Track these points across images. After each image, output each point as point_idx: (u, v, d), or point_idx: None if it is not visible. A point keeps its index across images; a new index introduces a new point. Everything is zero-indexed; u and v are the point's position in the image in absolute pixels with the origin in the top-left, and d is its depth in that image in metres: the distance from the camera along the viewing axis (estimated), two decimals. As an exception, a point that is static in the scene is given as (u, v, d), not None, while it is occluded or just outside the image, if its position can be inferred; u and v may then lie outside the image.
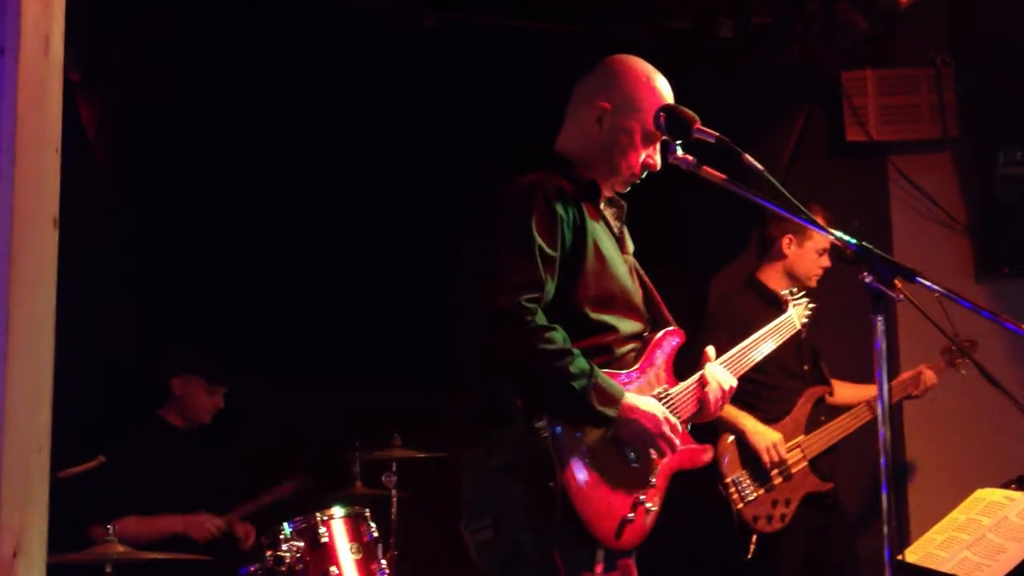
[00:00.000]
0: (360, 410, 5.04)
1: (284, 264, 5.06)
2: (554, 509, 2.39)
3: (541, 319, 2.46)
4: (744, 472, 4.20)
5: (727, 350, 4.14)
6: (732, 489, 4.18)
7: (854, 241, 2.36)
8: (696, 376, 2.80)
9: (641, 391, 2.64)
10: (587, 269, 2.59)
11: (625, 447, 2.57)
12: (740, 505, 4.17)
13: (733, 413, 4.24)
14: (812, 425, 4.28)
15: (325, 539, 3.87)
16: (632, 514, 2.53)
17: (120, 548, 3.67)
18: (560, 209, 2.56)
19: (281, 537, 3.84)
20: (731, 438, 4.23)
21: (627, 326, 2.67)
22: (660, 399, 2.68)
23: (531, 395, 2.47)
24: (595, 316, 2.60)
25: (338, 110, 5.03)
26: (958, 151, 5.31)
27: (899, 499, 4.98)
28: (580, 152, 2.73)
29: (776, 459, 4.16)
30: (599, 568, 2.48)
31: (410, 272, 4.79)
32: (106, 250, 4.59)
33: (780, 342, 3.08)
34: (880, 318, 2.27)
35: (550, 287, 2.51)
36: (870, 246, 2.35)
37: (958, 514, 3.44)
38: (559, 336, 2.46)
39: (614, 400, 2.51)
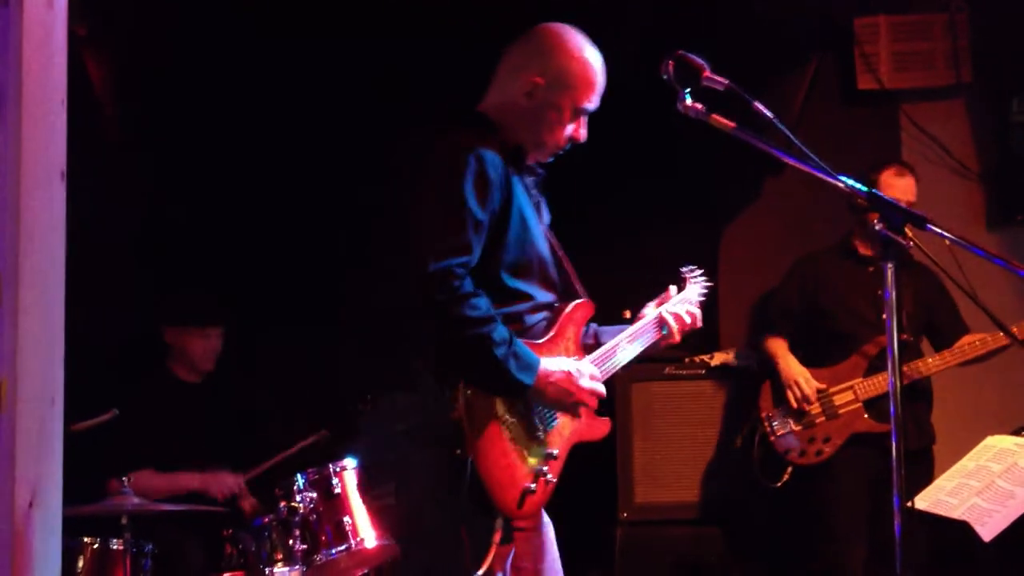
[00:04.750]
0: (371, 361, 5.05)
1: (291, 217, 5.06)
2: (461, 477, 2.38)
3: (469, 285, 2.43)
4: (779, 408, 4.43)
5: None
6: (765, 423, 4.44)
7: (864, 188, 2.35)
8: (612, 342, 2.79)
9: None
10: (510, 235, 2.56)
11: (534, 417, 2.58)
12: (772, 438, 4.41)
13: (780, 352, 4.48)
14: (875, 370, 4.32)
15: (338, 490, 3.91)
16: (534, 485, 2.53)
17: (135, 500, 3.71)
18: (491, 172, 2.51)
19: (295, 488, 3.89)
20: (771, 377, 4.48)
21: (541, 295, 2.66)
22: None
23: (451, 360, 2.45)
24: (512, 283, 2.58)
25: (341, 68, 5.00)
26: (971, 98, 5.25)
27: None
28: (506, 120, 2.67)
29: (798, 394, 4.35)
30: (497, 536, 2.47)
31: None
32: (115, 204, 4.59)
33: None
34: (890, 265, 2.27)
35: (477, 251, 2.48)
36: (880, 193, 2.33)
37: (968, 461, 3.46)
38: (484, 303, 2.44)
39: (531, 367, 2.49)
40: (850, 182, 2.39)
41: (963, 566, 4.07)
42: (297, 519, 3.81)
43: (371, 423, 2.63)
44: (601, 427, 2.78)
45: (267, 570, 3.80)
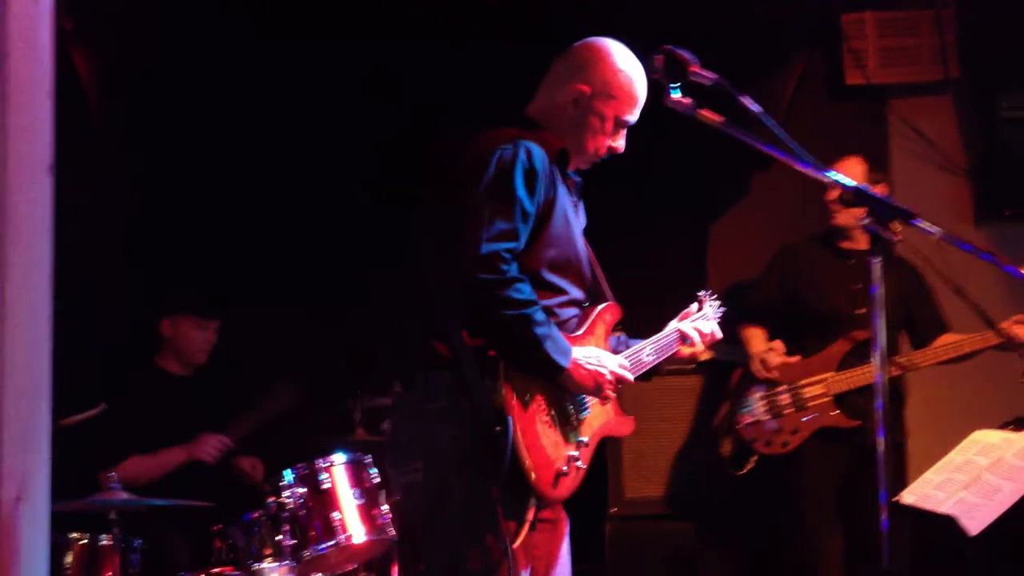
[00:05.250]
0: (360, 357, 5.06)
1: (281, 211, 5.06)
2: (499, 455, 2.44)
3: (515, 270, 2.54)
4: (747, 396, 4.42)
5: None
6: (734, 410, 4.43)
7: (852, 183, 2.36)
8: (638, 346, 2.94)
9: None
10: (552, 230, 2.68)
11: (567, 405, 2.69)
12: (740, 425, 4.39)
13: (754, 339, 4.50)
14: (849, 364, 4.33)
15: (327, 485, 3.91)
16: (566, 468, 2.63)
17: (124, 495, 3.70)
18: (539, 166, 2.64)
19: (283, 484, 3.88)
20: (743, 364, 4.48)
21: (574, 291, 2.79)
22: None
23: (492, 339, 2.54)
24: (549, 276, 2.69)
25: (328, 63, 5.00)
26: (959, 94, 5.28)
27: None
28: (551, 123, 2.82)
29: (760, 369, 4.38)
30: (531, 514, 2.56)
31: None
32: (102, 198, 4.58)
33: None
34: (878, 260, 2.28)
35: (523, 239, 2.59)
36: (868, 188, 2.35)
37: (955, 455, 3.47)
38: (527, 288, 2.55)
39: (566, 352, 2.61)
40: (836, 176, 2.40)
41: (950, 561, 4.09)
42: (286, 514, 3.80)
43: (404, 401, 2.73)
44: (627, 425, 2.93)
45: (256, 565, 3.79)
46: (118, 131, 4.95)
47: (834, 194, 4.37)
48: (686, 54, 2.56)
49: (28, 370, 1.67)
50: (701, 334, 3.06)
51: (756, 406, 4.39)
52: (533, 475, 2.52)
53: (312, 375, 4.86)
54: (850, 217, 4.36)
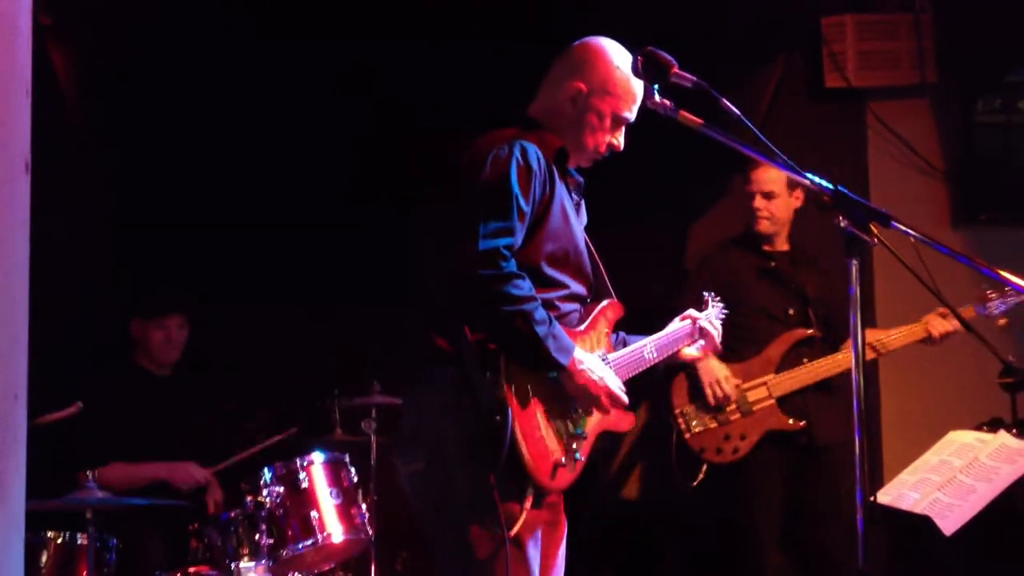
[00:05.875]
0: (340, 357, 5.05)
1: (264, 210, 5.04)
2: (498, 445, 2.48)
3: (513, 266, 2.58)
4: (693, 404, 4.33)
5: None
6: (680, 420, 4.33)
7: (830, 186, 2.37)
8: (639, 344, 2.95)
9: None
10: (549, 225, 2.72)
11: (567, 397, 2.71)
12: (687, 435, 4.31)
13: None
14: (787, 365, 4.32)
15: (305, 484, 3.91)
16: (564, 459, 2.66)
17: (100, 494, 3.68)
18: (535, 164, 2.68)
19: (261, 483, 3.87)
20: (684, 371, 4.36)
21: (575, 286, 2.82)
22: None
23: (493, 334, 2.58)
24: (549, 271, 2.73)
25: (315, 56, 4.98)
26: (936, 98, 5.31)
27: (873, 442, 5.04)
28: (551, 122, 2.86)
29: (720, 394, 4.28)
30: (528, 502, 2.59)
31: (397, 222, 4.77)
32: (80, 197, 4.56)
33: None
34: (854, 262, 2.29)
35: (520, 237, 2.63)
36: (846, 191, 2.35)
37: (930, 456, 3.50)
38: (526, 284, 2.59)
39: (567, 350, 2.64)
40: (816, 179, 2.41)
41: (926, 560, 4.11)
42: (263, 513, 3.80)
43: (411, 394, 2.75)
44: (627, 420, 2.92)
45: (233, 565, 3.78)
46: (97, 128, 4.92)
47: (760, 200, 4.40)
48: (667, 56, 2.57)
49: (4, 371, 1.66)
50: (706, 335, 3.10)
51: (702, 414, 4.31)
52: (529, 466, 2.56)
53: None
54: (771, 225, 4.41)
